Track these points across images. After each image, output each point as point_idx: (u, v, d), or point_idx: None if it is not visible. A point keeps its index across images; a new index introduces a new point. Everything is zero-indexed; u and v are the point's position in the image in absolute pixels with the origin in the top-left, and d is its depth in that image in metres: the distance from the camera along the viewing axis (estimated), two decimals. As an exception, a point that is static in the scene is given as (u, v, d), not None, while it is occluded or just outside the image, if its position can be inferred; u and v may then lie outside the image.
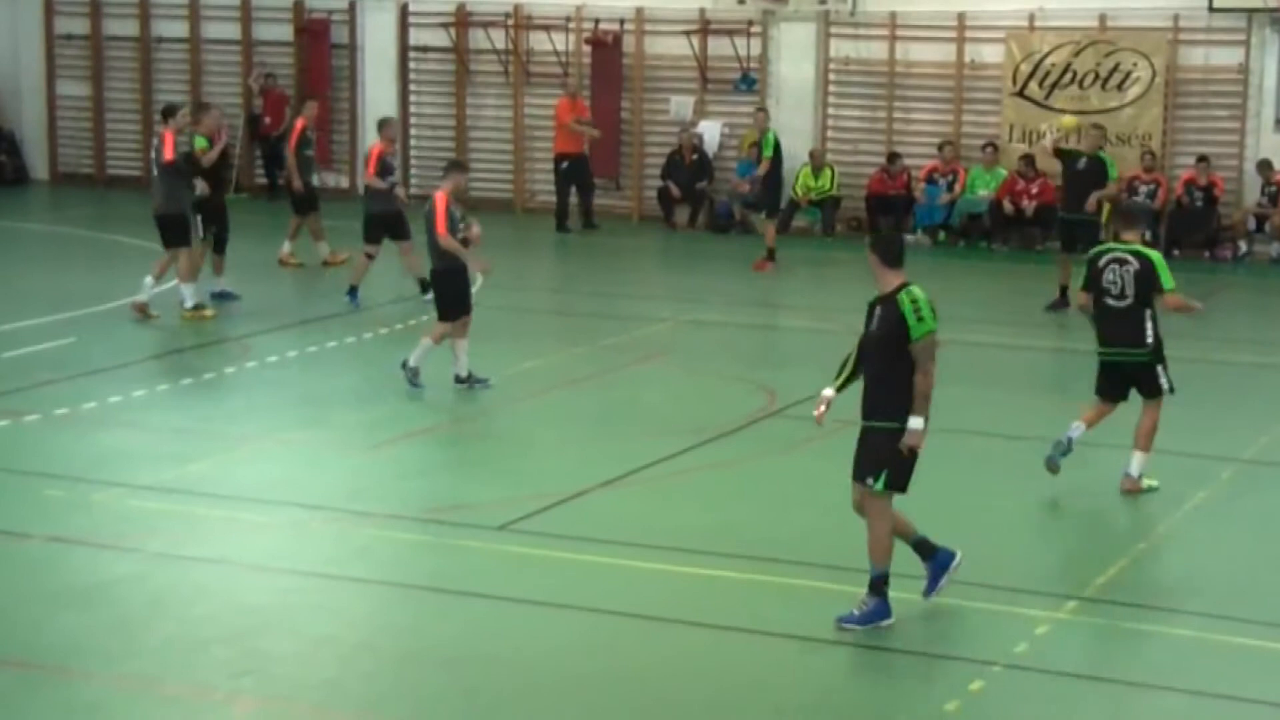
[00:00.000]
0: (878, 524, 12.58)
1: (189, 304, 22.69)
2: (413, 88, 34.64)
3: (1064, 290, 23.88)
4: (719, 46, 32.39)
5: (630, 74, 32.93)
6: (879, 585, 12.50)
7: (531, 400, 19.47)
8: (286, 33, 35.14)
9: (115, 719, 11.11)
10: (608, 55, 32.85)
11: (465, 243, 19.13)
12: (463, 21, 33.72)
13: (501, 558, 14.14)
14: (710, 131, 32.51)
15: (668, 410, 19.19)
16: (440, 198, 19.24)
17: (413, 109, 34.65)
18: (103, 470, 16.25)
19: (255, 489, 15.87)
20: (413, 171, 34.40)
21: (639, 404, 19.56)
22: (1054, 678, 11.83)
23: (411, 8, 34.14)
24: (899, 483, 12.59)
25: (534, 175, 33.66)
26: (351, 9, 34.50)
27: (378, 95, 34.38)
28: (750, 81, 32.30)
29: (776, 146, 30.03)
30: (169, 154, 22.52)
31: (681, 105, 32.48)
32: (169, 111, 23.41)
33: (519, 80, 33.52)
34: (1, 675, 11.75)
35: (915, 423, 12.42)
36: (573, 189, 31.98)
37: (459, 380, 19.42)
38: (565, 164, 31.82)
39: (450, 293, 19.30)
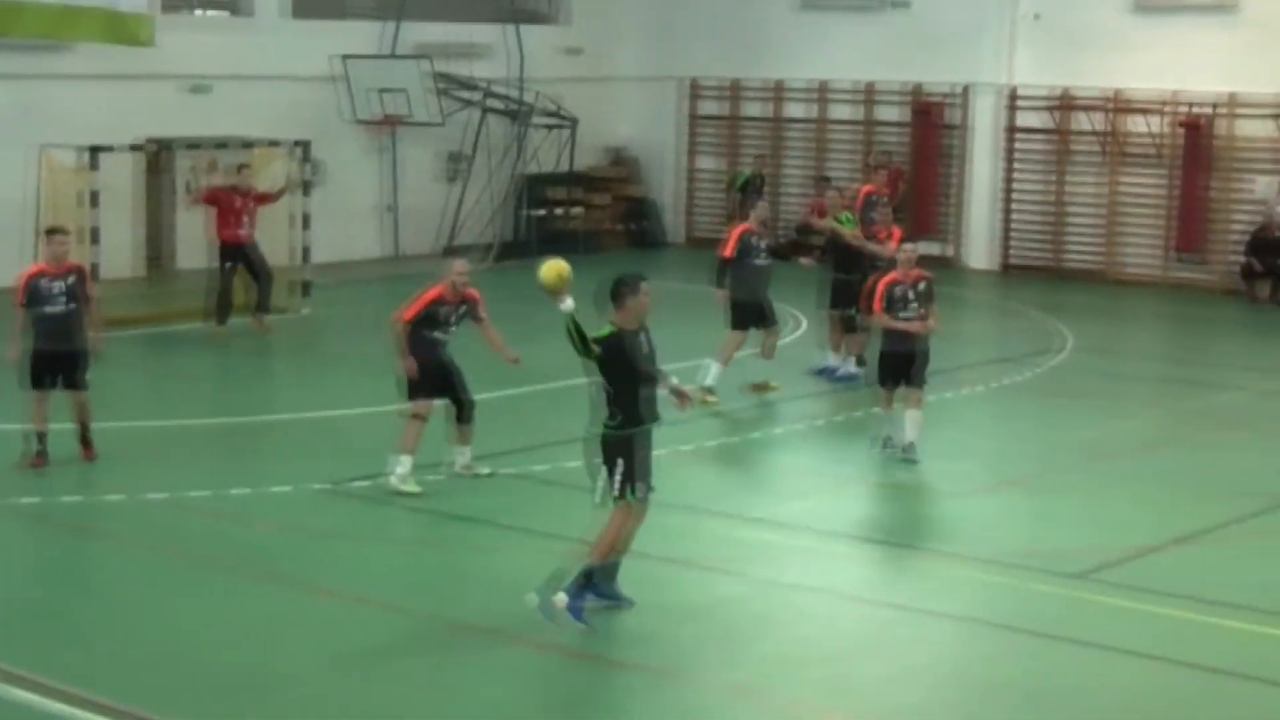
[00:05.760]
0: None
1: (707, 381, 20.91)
2: (1017, 165, 34.36)
3: None
4: (1307, 128, 31.21)
5: (1218, 155, 31.95)
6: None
7: (1113, 459, 19.10)
8: (900, 114, 35.34)
9: (719, 722, 11.41)
10: (1198, 137, 31.96)
11: None
12: (1066, 105, 33.36)
13: (1078, 604, 13.94)
14: (1292, 211, 31.23)
15: (1239, 474, 18.46)
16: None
17: (1015, 184, 34.36)
18: (716, 501, 16.58)
19: (853, 526, 16.05)
20: (1012, 242, 34.31)
21: (1212, 467, 18.87)
22: None
23: (1020, 92, 33.94)
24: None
25: (1125, 248, 33.01)
26: (965, 93, 34.49)
27: (981, 171, 34.41)
28: None
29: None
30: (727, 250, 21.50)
31: (1267, 186, 31.26)
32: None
33: (1114, 159, 32.94)
34: (621, 675, 12.27)
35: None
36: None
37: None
38: None
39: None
